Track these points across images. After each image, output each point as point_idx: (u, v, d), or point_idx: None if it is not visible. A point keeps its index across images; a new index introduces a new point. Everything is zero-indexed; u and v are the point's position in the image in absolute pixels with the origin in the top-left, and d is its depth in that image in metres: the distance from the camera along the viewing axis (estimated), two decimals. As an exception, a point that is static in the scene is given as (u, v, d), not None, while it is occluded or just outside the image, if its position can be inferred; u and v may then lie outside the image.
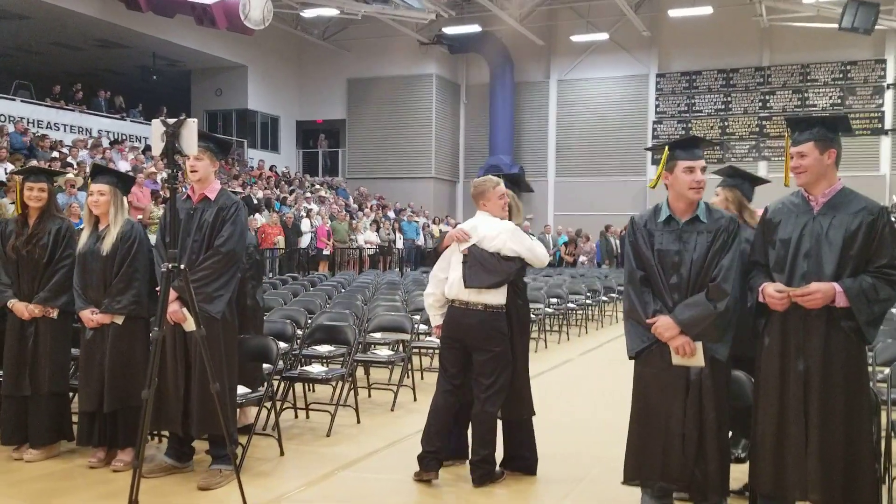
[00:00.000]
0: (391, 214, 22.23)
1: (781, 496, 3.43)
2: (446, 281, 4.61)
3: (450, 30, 23.30)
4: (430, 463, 4.49)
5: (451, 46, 24.80)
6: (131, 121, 20.70)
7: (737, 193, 4.42)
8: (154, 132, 3.79)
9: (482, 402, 4.46)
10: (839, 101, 22.66)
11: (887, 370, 4.56)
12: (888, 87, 22.25)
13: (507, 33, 23.98)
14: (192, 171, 4.51)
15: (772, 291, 3.35)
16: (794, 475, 3.31)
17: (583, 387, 7.96)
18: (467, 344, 4.50)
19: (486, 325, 4.45)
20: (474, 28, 22.88)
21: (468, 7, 23.46)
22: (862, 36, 18.72)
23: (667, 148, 3.59)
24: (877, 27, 18.07)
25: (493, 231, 4.56)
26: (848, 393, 3.29)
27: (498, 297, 4.50)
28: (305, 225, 17.63)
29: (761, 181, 4.58)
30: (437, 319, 4.69)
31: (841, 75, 22.71)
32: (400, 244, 20.62)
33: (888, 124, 22.24)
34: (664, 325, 3.49)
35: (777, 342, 3.38)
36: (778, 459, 3.35)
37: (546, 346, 10.25)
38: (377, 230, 20.19)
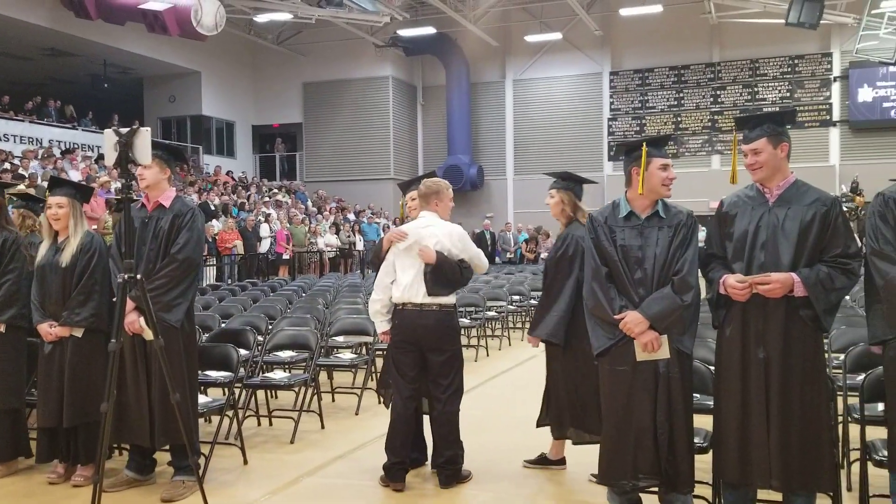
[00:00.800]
0: (351, 217, 22.14)
1: (746, 484, 3.48)
2: (393, 286, 4.55)
3: (405, 32, 23.29)
4: (396, 473, 4.46)
5: (407, 49, 24.81)
6: (83, 130, 20.32)
7: (570, 195, 4.72)
8: (107, 142, 3.74)
9: (443, 403, 4.45)
10: (788, 94, 23.12)
11: (842, 356, 4.67)
12: (835, 80, 22.76)
13: (461, 35, 24.05)
14: (140, 179, 4.45)
15: (733, 282, 3.40)
16: (757, 462, 3.36)
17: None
18: (423, 346, 4.46)
19: (442, 324, 4.45)
20: (429, 30, 22.90)
21: (423, 10, 23.48)
22: (808, 30, 19.13)
23: (644, 144, 3.61)
24: (822, 21, 18.48)
25: (440, 232, 4.53)
26: (807, 380, 3.35)
27: (451, 296, 4.52)
28: (264, 230, 17.48)
29: (589, 181, 4.90)
30: (383, 326, 4.63)
31: (789, 69, 23.18)
32: (361, 246, 20.54)
33: (836, 116, 22.75)
34: (634, 321, 3.50)
35: (738, 331, 3.44)
36: (742, 447, 3.40)
37: (510, 344, 10.30)
38: (337, 233, 20.10)
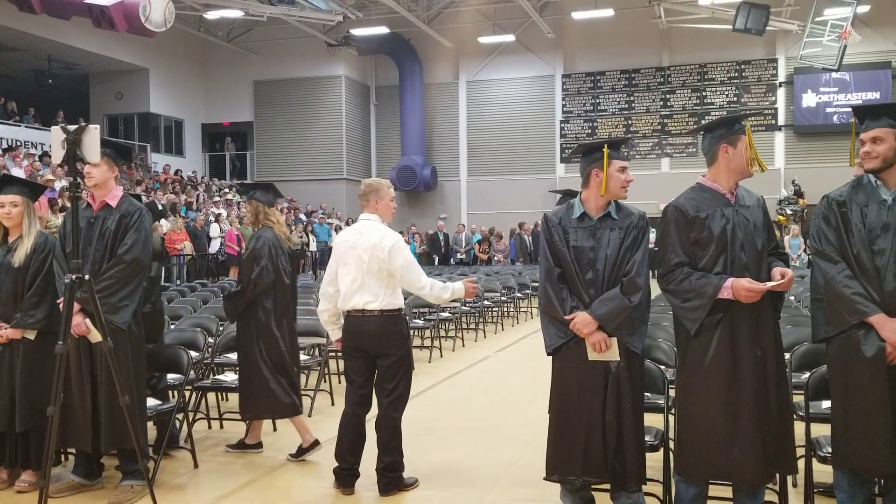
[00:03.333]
0: (302, 217, 21.95)
1: (718, 479, 3.51)
2: (337, 294, 4.49)
3: (358, 31, 23.18)
4: (345, 479, 4.44)
5: (360, 48, 24.71)
6: (26, 126, 19.78)
7: (255, 204, 5.33)
8: (54, 139, 3.65)
9: (385, 408, 4.40)
10: (735, 99, 23.64)
11: (788, 355, 4.77)
12: (780, 85, 23.35)
13: (415, 35, 24.04)
14: (88, 178, 4.35)
15: (747, 286, 3.34)
16: (747, 457, 3.35)
17: (501, 384, 8.03)
18: (369, 351, 4.41)
19: (384, 329, 4.36)
20: (382, 30, 22.83)
21: (376, 9, 23.41)
22: (754, 37, 19.62)
23: (605, 146, 3.64)
24: (768, 28, 18.96)
25: (370, 240, 4.39)
26: (784, 372, 3.49)
27: (393, 300, 4.40)
28: (214, 230, 17.22)
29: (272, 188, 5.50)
30: (335, 333, 4.59)
31: (736, 74, 23.70)
32: (313, 247, 20.38)
33: (781, 120, 23.34)
34: (582, 322, 3.53)
35: (728, 332, 3.41)
36: (730, 445, 3.37)
37: (463, 345, 10.33)
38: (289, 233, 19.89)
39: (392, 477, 4.41)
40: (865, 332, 3.26)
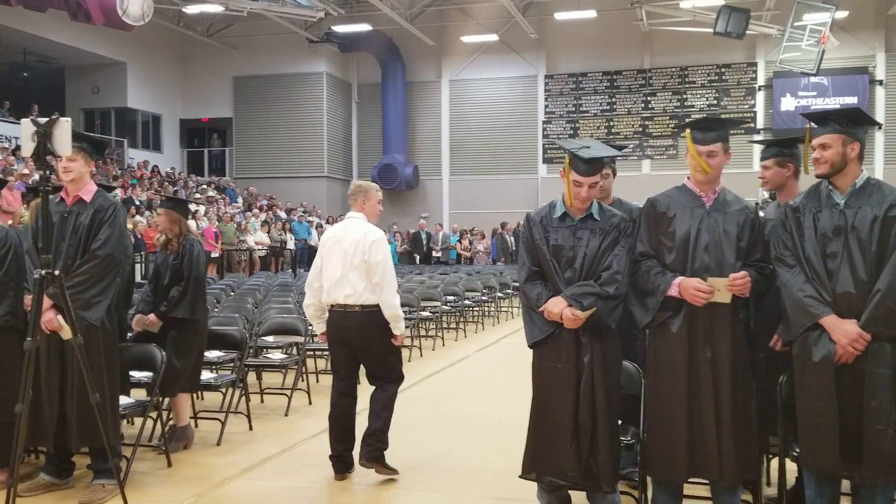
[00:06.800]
0: (282, 214, 21.82)
1: (682, 478, 3.54)
2: (321, 289, 4.65)
3: (339, 28, 23.08)
4: (338, 465, 4.61)
5: (342, 45, 24.57)
6: (0, 120, 19.51)
7: (172, 214, 5.32)
8: (24, 132, 3.58)
9: (382, 387, 4.65)
10: (715, 102, 23.79)
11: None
12: (759, 89, 23.53)
13: (397, 33, 23.97)
14: (65, 172, 4.28)
15: (696, 286, 3.42)
16: (707, 458, 3.43)
17: (481, 383, 8.02)
18: (352, 345, 4.58)
19: (365, 324, 4.54)
20: (364, 27, 22.74)
21: (358, 6, 23.32)
22: (735, 40, 19.74)
23: (567, 156, 3.65)
24: (748, 32, 19.11)
25: (354, 237, 4.58)
26: (744, 377, 3.49)
27: (374, 295, 4.55)
28: (191, 226, 17.08)
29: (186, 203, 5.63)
30: (321, 327, 4.75)
31: (716, 77, 23.85)
32: (292, 245, 20.27)
33: (760, 124, 23.51)
34: (552, 303, 3.58)
35: (685, 331, 3.49)
36: (690, 444, 3.45)
37: (444, 344, 10.30)
38: (268, 231, 19.78)
39: (375, 446, 4.51)
40: (818, 333, 3.31)
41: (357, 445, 4.64)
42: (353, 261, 4.53)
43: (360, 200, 4.73)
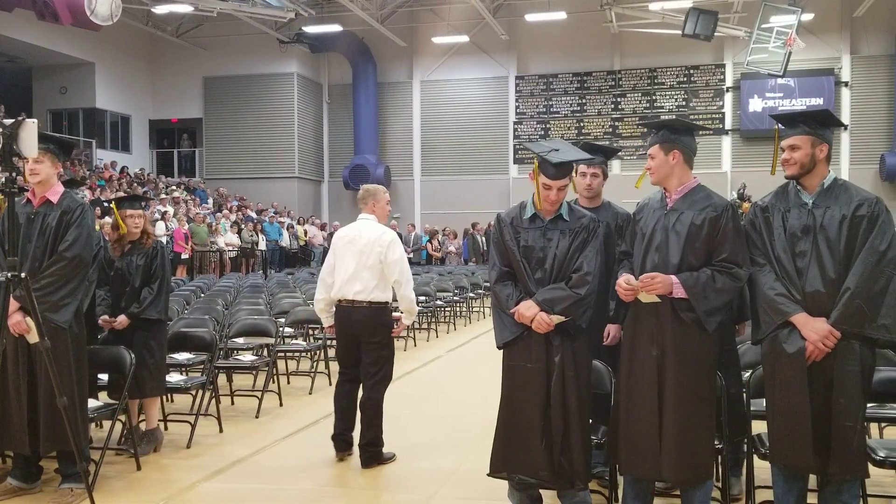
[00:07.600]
0: (252, 215, 21.68)
1: (638, 475, 3.59)
2: (332, 285, 4.96)
3: (310, 29, 22.98)
4: (339, 444, 4.97)
5: (312, 46, 24.46)
6: (-36, 120, 19.17)
7: (145, 214, 5.34)
8: (-11, 133, 3.53)
9: (369, 390, 4.88)
10: (684, 103, 24.04)
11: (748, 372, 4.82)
12: (727, 90, 23.81)
13: (368, 34, 23.94)
14: (32, 175, 4.23)
15: (621, 282, 3.56)
16: (647, 455, 3.49)
17: (452, 383, 8.05)
18: (358, 338, 4.90)
19: (372, 319, 4.88)
20: (335, 28, 22.66)
21: (328, 6, 23.25)
22: (703, 42, 19.99)
23: (537, 159, 3.69)
24: (716, 34, 19.35)
25: (369, 237, 4.92)
26: (694, 377, 3.48)
27: (382, 294, 4.91)
28: (160, 228, 16.90)
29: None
30: (328, 320, 5.09)
31: (685, 79, 24.11)
32: (263, 246, 20.15)
33: (728, 125, 23.80)
34: (524, 307, 3.61)
35: (632, 329, 3.60)
36: (631, 440, 3.54)
37: (415, 345, 10.31)
38: (238, 232, 19.64)
39: (373, 451, 4.84)
40: (789, 331, 3.37)
41: (356, 440, 4.92)
42: (366, 261, 4.86)
43: (371, 203, 5.07)
